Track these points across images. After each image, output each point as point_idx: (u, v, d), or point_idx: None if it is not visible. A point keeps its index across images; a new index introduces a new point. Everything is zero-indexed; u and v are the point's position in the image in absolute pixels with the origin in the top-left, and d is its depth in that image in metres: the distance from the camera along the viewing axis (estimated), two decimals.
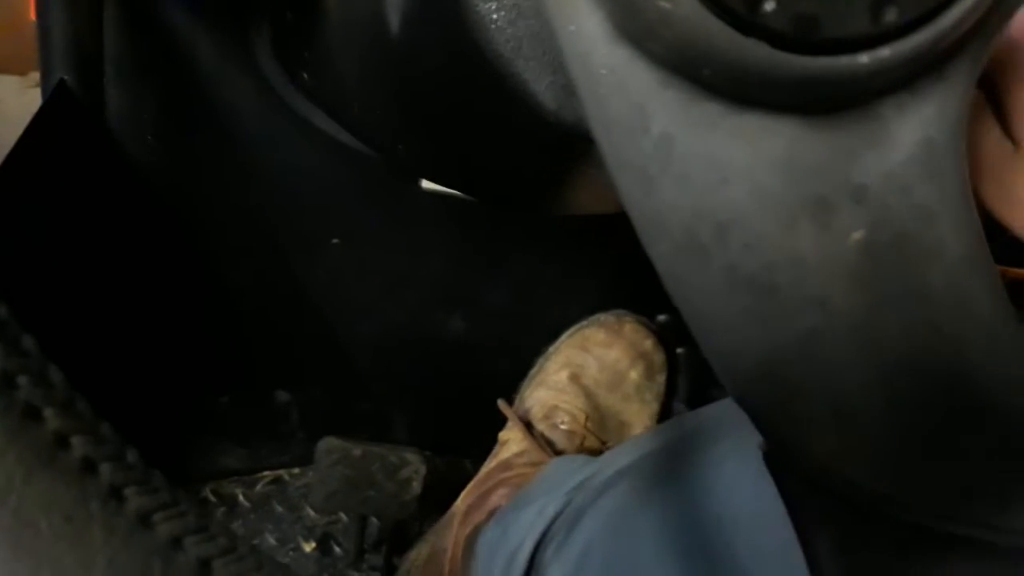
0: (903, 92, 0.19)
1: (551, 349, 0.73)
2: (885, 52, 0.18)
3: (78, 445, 0.14)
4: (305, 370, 0.75)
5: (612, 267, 0.74)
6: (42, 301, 0.58)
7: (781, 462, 0.22)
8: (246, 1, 0.57)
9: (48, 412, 0.14)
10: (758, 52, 0.18)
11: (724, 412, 0.44)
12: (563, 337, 0.73)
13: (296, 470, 0.76)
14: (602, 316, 0.73)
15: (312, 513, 0.73)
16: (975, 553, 0.22)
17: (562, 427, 0.67)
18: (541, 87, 0.26)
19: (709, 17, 0.17)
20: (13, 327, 0.14)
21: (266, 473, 0.74)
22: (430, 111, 0.35)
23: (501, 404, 0.70)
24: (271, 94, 0.61)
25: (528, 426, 0.68)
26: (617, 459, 0.50)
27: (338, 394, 0.76)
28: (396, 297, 0.73)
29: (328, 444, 0.66)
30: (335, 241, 0.70)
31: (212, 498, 0.71)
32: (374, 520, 0.72)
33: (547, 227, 0.71)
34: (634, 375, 0.70)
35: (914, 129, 0.20)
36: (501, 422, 0.76)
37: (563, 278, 0.76)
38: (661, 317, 0.74)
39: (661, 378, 0.72)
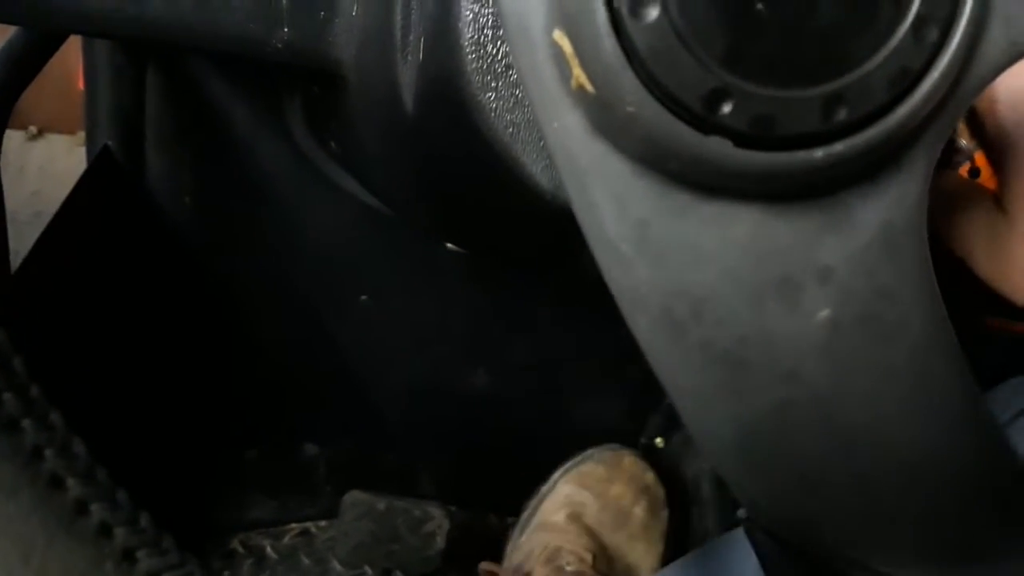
0: (863, 180, 0.21)
1: (544, 489, 0.70)
2: (838, 147, 0.19)
3: (96, 511, 0.15)
4: (332, 424, 0.77)
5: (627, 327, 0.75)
6: (77, 354, 0.60)
7: (759, 528, 0.23)
8: (280, 73, 0.60)
9: (71, 482, 0.15)
10: (718, 149, 0.19)
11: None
12: (556, 475, 0.69)
13: (323, 523, 0.77)
14: (597, 452, 0.70)
15: (338, 566, 0.74)
16: None
17: (568, 568, 0.62)
18: (537, 170, 0.28)
19: (670, 118, 0.19)
20: (42, 404, 0.15)
21: (293, 525, 0.76)
22: (441, 185, 0.37)
23: (484, 567, 0.64)
24: (303, 159, 0.64)
25: None
26: None
27: (365, 448, 0.78)
28: (422, 352, 0.75)
29: (353, 498, 0.68)
30: (363, 298, 0.73)
31: (240, 549, 0.73)
32: (399, 574, 0.72)
33: (570, 284, 0.72)
34: (639, 512, 0.66)
35: (874, 214, 0.21)
36: (525, 477, 0.77)
37: (586, 333, 0.77)
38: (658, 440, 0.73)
39: (664, 514, 0.68)
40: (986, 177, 0.56)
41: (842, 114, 0.19)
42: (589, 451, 0.70)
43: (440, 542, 0.68)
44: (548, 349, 0.77)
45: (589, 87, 0.20)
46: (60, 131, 1.33)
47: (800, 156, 0.19)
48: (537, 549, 0.64)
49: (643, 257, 0.22)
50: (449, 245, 0.65)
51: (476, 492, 0.78)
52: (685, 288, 0.21)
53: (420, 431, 0.77)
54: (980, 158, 0.56)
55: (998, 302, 0.36)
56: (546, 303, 0.74)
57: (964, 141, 0.56)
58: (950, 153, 0.54)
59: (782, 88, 0.19)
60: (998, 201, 0.34)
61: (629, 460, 0.69)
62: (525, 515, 0.69)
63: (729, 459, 0.21)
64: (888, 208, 0.21)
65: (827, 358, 0.21)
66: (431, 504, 0.70)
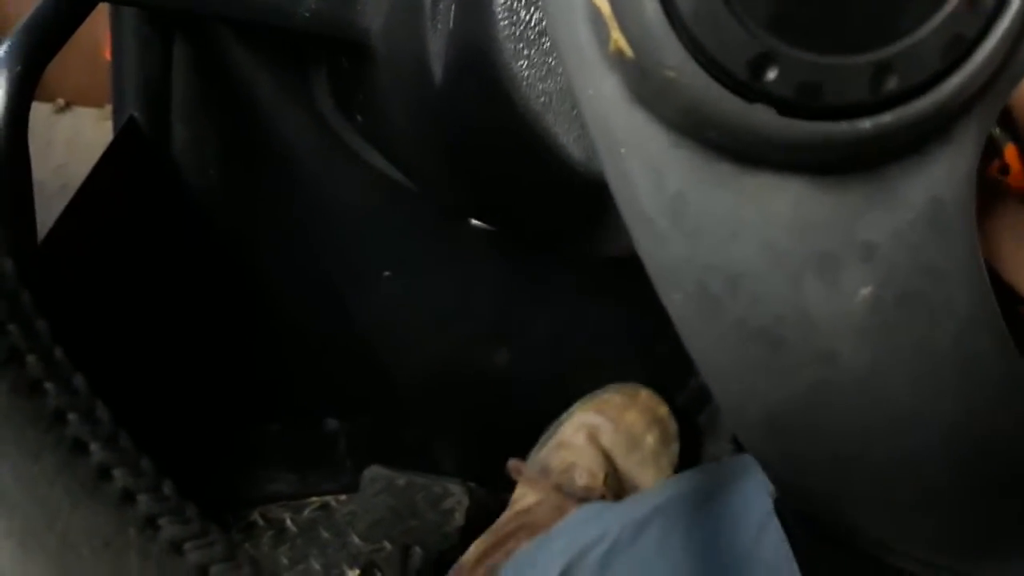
0: (910, 153, 0.20)
1: (564, 415, 0.74)
2: (887, 118, 0.19)
3: (119, 477, 0.15)
4: (354, 399, 0.77)
5: (658, 303, 0.74)
6: (102, 327, 0.61)
7: (789, 508, 0.23)
8: (306, 45, 0.60)
9: (94, 447, 0.15)
10: (761, 117, 0.19)
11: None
12: (577, 404, 0.74)
13: (343, 497, 0.77)
14: (615, 386, 0.74)
15: (357, 540, 0.74)
16: None
17: (580, 482, 0.67)
18: (570, 140, 0.27)
19: (713, 84, 0.18)
20: (66, 367, 0.15)
21: (314, 499, 0.76)
22: (470, 158, 0.36)
23: (512, 463, 0.70)
24: (328, 132, 0.63)
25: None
26: (649, 499, 0.50)
27: (386, 423, 0.78)
28: (444, 329, 0.75)
29: (373, 473, 0.68)
30: (386, 274, 0.72)
31: (261, 522, 0.73)
32: (418, 550, 0.73)
33: (593, 264, 0.72)
34: (650, 439, 0.70)
35: (922, 189, 0.20)
36: None
37: (608, 313, 0.76)
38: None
39: (675, 447, 0.72)
40: (1016, 174, 0.54)
41: (892, 83, 0.18)
42: (608, 386, 0.74)
43: (459, 519, 0.68)
44: (571, 326, 0.76)
45: (628, 51, 0.19)
46: (87, 104, 1.33)
47: (847, 127, 0.19)
48: (554, 462, 0.69)
49: (679, 231, 0.21)
50: (473, 221, 0.64)
51: (497, 469, 0.78)
52: (722, 263, 0.21)
53: (441, 408, 0.77)
54: (1011, 154, 0.54)
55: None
56: (570, 280, 0.74)
57: (997, 130, 0.54)
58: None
59: (830, 55, 0.18)
60: None
61: (645, 394, 0.73)
62: (544, 436, 0.74)
63: (761, 438, 0.21)
64: (936, 183, 0.20)
65: (867, 338, 0.20)
66: (451, 481, 0.70)
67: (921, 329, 0.20)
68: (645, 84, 0.20)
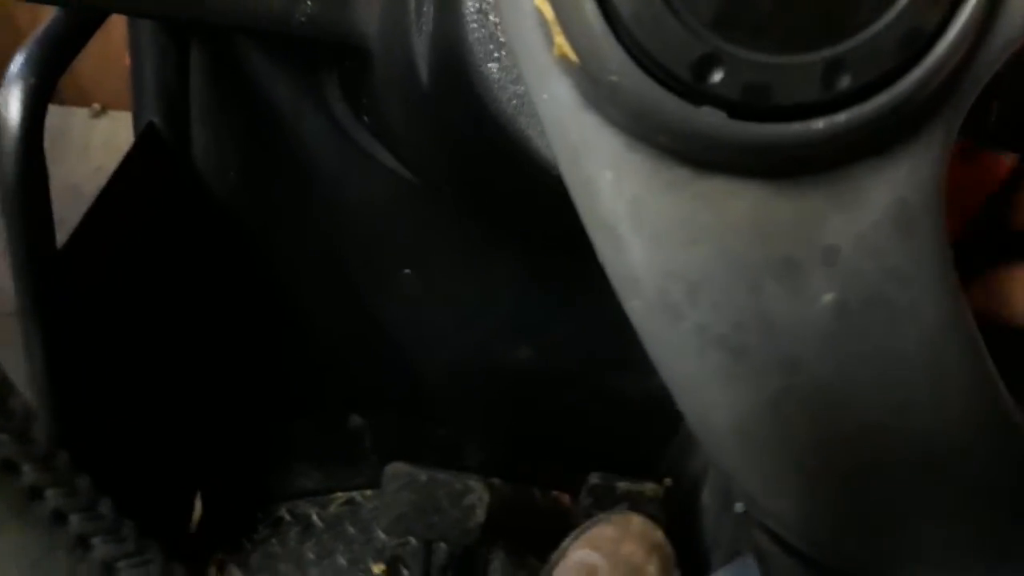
0: (872, 154, 0.19)
1: (555, 557, 0.68)
2: (842, 118, 0.18)
3: (51, 497, 0.15)
4: (378, 396, 0.77)
5: None
6: (127, 329, 0.62)
7: (757, 522, 0.22)
8: (317, 48, 0.60)
9: (26, 467, 0.15)
10: (710, 121, 0.18)
11: None
12: (566, 542, 0.68)
13: (368, 492, 0.78)
14: (604, 516, 0.69)
15: (382, 535, 0.75)
16: None
17: None
18: (543, 143, 0.27)
19: (658, 88, 0.18)
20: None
21: (339, 494, 0.77)
22: (458, 158, 0.36)
23: None
24: (342, 133, 0.63)
25: None
26: None
27: (410, 419, 0.78)
28: (465, 326, 0.75)
29: (394, 469, 0.68)
30: (407, 271, 0.73)
31: (287, 517, 0.74)
32: (442, 545, 0.73)
33: None
34: (652, 569, 0.65)
35: (885, 191, 0.19)
36: (569, 451, 0.76)
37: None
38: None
39: (677, 574, 0.67)
40: None
41: (845, 81, 0.18)
42: (596, 516, 0.69)
43: (480, 514, 0.68)
44: (592, 323, 0.76)
45: (572, 56, 0.19)
46: (123, 108, 1.36)
47: (799, 128, 0.18)
48: None
49: (637, 237, 0.20)
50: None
51: (520, 465, 0.78)
52: (681, 270, 0.20)
53: (464, 404, 0.77)
54: None
55: None
56: (590, 276, 0.73)
57: None
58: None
59: (778, 54, 0.17)
60: None
61: (637, 520, 0.68)
62: None
63: (725, 448, 0.20)
64: (901, 185, 0.19)
65: (831, 344, 0.20)
66: (472, 477, 0.70)
67: (886, 335, 0.20)
68: (593, 89, 0.19)
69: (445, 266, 0.72)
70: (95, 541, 0.16)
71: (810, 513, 0.20)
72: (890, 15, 0.17)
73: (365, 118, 0.56)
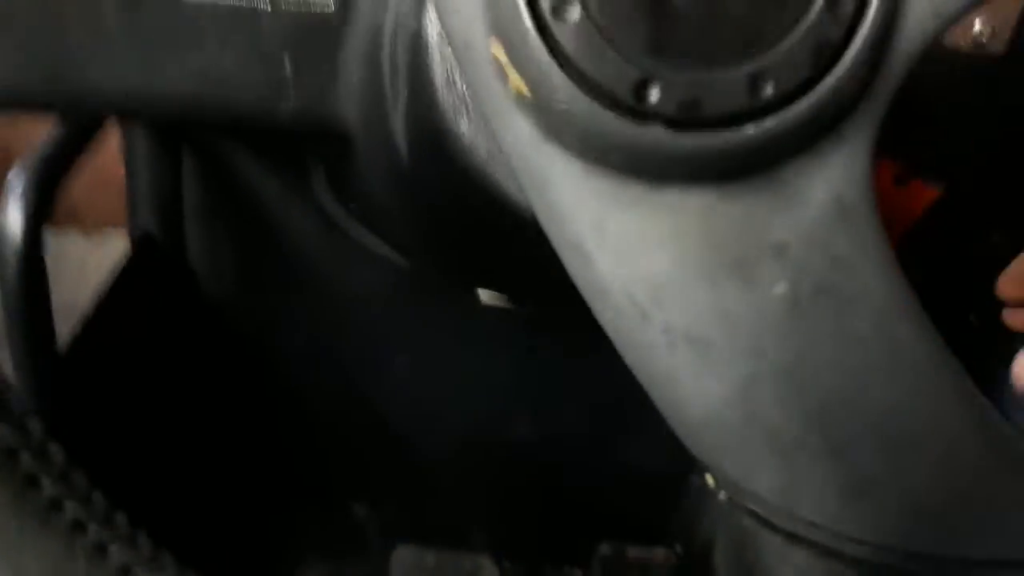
0: (805, 154, 0.21)
1: None
2: (769, 122, 0.20)
3: (70, 509, 0.17)
4: (380, 482, 0.77)
5: None
6: (128, 430, 0.63)
7: (740, 508, 0.23)
8: (302, 140, 0.63)
9: (46, 481, 0.16)
10: (654, 136, 0.20)
11: None
12: None
13: None
14: None
15: None
16: None
17: None
18: (515, 188, 0.29)
19: (604, 112, 0.20)
20: (18, 409, 0.17)
21: None
22: (441, 226, 0.38)
23: None
24: (331, 225, 0.66)
25: None
26: None
27: (413, 505, 0.78)
28: (462, 405, 0.76)
29: (401, 555, 0.68)
30: (402, 356, 0.74)
31: None
32: None
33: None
34: None
35: (823, 188, 0.21)
36: (577, 524, 0.76)
37: (630, 380, 0.76)
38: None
39: None
40: None
41: (768, 90, 0.20)
42: None
43: None
44: (592, 394, 0.77)
45: (526, 91, 0.21)
46: (117, 225, 1.40)
47: (732, 133, 0.20)
48: None
49: (603, 252, 0.22)
50: (483, 297, 0.66)
51: (528, 542, 0.77)
52: (644, 276, 0.22)
53: (467, 484, 0.77)
54: None
55: None
56: (586, 347, 0.74)
57: None
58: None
59: (705, 70, 0.20)
60: None
61: None
62: None
63: (701, 437, 0.22)
64: (836, 181, 0.21)
65: (788, 331, 0.21)
66: (481, 556, 0.69)
67: (839, 320, 0.21)
68: (549, 120, 0.21)
69: (440, 348, 0.74)
70: (112, 548, 0.17)
71: (787, 489, 0.21)
72: (800, 30, 0.20)
73: (351, 205, 0.59)
